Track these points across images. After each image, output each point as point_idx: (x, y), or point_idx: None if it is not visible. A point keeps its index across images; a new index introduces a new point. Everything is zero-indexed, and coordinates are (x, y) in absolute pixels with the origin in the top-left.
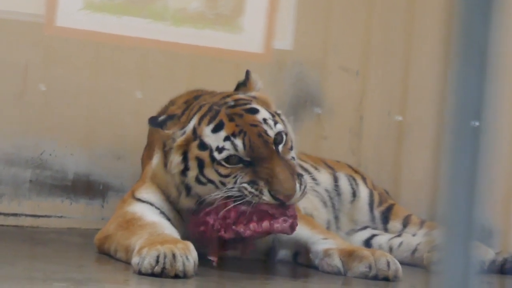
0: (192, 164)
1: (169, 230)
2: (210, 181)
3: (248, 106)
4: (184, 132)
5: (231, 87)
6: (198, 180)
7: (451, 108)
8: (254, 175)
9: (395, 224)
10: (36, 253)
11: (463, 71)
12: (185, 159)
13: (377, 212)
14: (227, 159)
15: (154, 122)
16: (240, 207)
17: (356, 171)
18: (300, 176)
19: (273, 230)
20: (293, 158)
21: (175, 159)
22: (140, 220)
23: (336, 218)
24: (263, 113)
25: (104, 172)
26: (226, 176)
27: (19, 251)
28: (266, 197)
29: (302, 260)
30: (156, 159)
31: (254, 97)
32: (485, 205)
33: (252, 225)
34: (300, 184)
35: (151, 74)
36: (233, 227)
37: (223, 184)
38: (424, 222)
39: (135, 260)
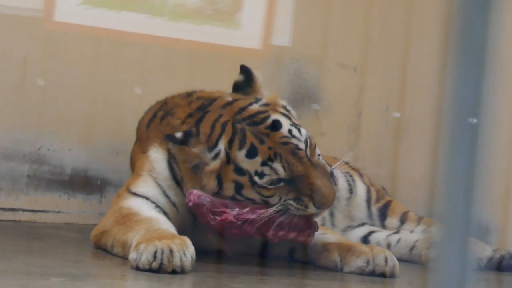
0: (228, 186)
1: (166, 225)
2: (249, 199)
3: (269, 121)
4: (216, 156)
5: (229, 83)
6: (234, 199)
7: (449, 105)
8: (298, 192)
9: (392, 220)
10: (33, 248)
11: (461, 68)
12: (219, 181)
13: (374, 209)
14: (269, 182)
15: (175, 139)
16: (277, 216)
17: (353, 168)
18: (332, 176)
19: (296, 241)
20: (319, 155)
21: (210, 183)
22: (136, 215)
23: (331, 214)
24: (285, 125)
25: (102, 167)
26: (270, 196)
27: (16, 246)
28: (311, 209)
29: (298, 255)
30: (156, 154)
31: (267, 104)
32: (483, 202)
33: (281, 233)
34: (336, 185)
35: (149, 69)
36: (263, 230)
37: (266, 202)
38: (422, 218)
39: (132, 255)
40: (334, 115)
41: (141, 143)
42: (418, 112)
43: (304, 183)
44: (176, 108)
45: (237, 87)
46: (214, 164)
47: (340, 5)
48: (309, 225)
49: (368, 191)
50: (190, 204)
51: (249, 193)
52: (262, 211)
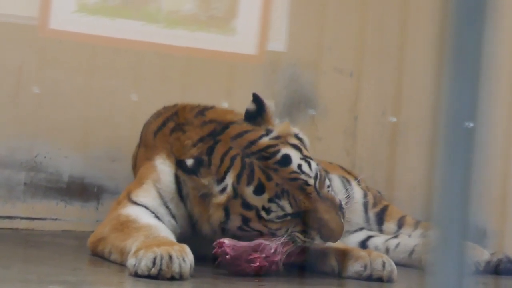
0: (235, 218)
1: (165, 233)
2: (256, 231)
3: (278, 156)
4: (223, 189)
5: (224, 89)
6: (241, 229)
7: (445, 109)
8: (305, 225)
9: (390, 225)
10: (30, 255)
11: (457, 72)
12: (226, 213)
13: (371, 214)
14: (276, 217)
15: (186, 169)
16: (284, 244)
17: (349, 173)
18: (341, 208)
19: (289, 260)
20: (328, 187)
21: (217, 214)
22: (135, 223)
23: None
24: (295, 159)
25: (99, 174)
26: (277, 229)
27: (14, 253)
28: (318, 241)
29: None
30: (163, 166)
31: (278, 137)
32: (480, 206)
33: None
34: (344, 217)
35: (145, 76)
36: (271, 258)
37: (273, 234)
38: (419, 223)
39: (131, 261)
40: (330, 120)
41: (147, 150)
42: (414, 116)
43: (311, 217)
44: (188, 125)
45: (249, 115)
46: (221, 198)
47: (335, 10)
48: (304, 249)
49: (365, 196)
50: (228, 257)
51: (256, 226)
52: (284, 249)
